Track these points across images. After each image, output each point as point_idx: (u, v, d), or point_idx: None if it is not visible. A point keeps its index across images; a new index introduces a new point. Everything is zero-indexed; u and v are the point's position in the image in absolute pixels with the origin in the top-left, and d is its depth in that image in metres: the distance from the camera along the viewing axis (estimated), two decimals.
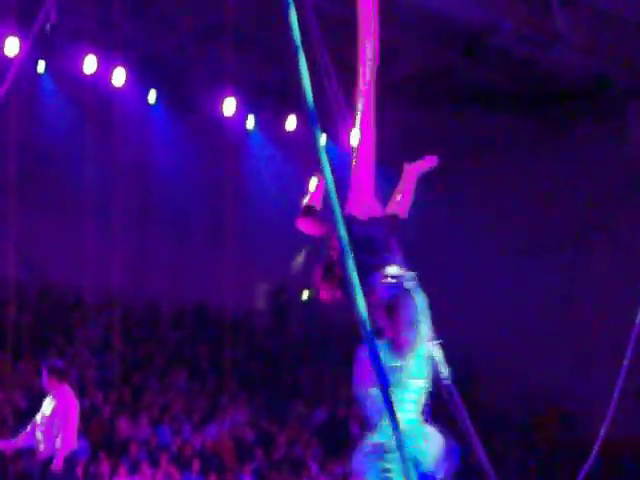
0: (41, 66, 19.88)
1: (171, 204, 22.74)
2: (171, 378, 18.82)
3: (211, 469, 15.86)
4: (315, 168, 5.86)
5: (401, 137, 17.28)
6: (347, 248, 4.76)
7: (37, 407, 11.21)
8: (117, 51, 19.22)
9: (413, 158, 6.70)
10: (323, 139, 5.00)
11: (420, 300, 5.54)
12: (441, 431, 5.52)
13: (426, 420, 5.52)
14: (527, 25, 17.87)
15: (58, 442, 10.77)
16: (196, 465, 15.64)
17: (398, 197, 6.48)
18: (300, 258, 22.81)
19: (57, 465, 10.70)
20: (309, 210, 6.40)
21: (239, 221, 21.17)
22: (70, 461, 10.91)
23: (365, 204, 6.29)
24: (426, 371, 5.55)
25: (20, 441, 11.17)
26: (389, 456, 5.31)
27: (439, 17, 17.67)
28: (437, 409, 5.79)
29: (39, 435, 10.91)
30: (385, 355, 5.24)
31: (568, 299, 21.24)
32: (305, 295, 23.35)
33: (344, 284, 5.17)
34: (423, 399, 5.52)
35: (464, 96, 20.83)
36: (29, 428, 11.04)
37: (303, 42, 4.72)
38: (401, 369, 5.41)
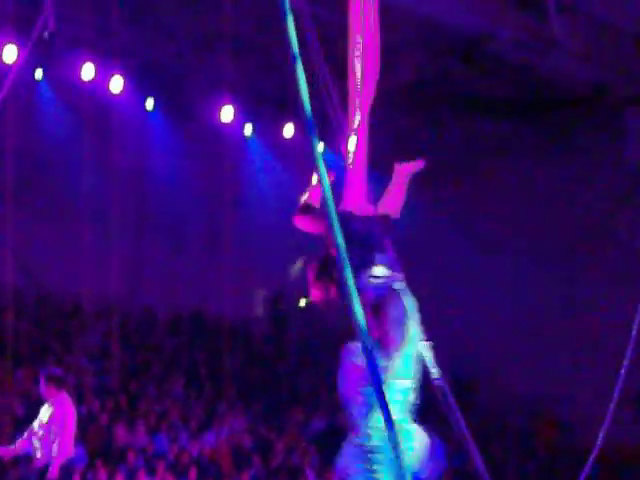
0: (39, 73, 19.89)
1: (169, 211, 22.74)
2: (168, 385, 18.80)
3: (208, 477, 15.84)
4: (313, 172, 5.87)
5: (398, 143, 17.27)
6: (343, 256, 4.75)
7: (35, 414, 11.19)
8: (115, 59, 19.23)
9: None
10: (321, 147, 5.00)
11: (408, 301, 5.56)
12: (428, 431, 5.52)
13: (414, 420, 5.52)
14: (524, 32, 17.88)
15: (55, 449, 10.76)
16: (193, 473, 15.61)
17: (389, 197, 6.52)
18: (298, 265, 22.81)
19: (53, 473, 10.68)
20: (307, 207, 6.40)
21: (237, 228, 21.18)
22: (67, 469, 10.89)
23: (358, 205, 6.31)
24: (413, 372, 5.55)
25: (18, 448, 11.16)
26: (374, 457, 5.31)
27: (437, 24, 17.68)
28: (430, 410, 5.80)
29: (36, 443, 10.90)
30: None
31: (567, 305, 21.24)
32: (303, 302, 23.34)
33: (339, 284, 5.17)
34: (410, 399, 5.53)
35: (462, 103, 20.85)
36: (26, 435, 11.03)
37: (300, 50, 4.72)
38: (387, 369, 5.41)
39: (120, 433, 15.95)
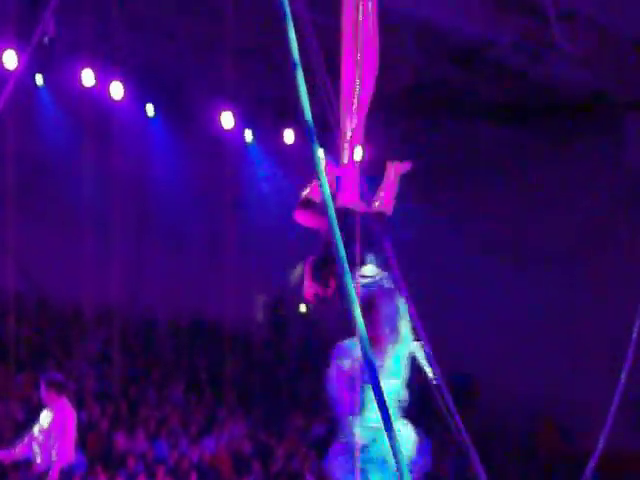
0: (39, 79, 19.92)
1: (169, 216, 22.75)
2: (168, 391, 18.80)
3: None
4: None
5: (398, 146, 17.29)
6: (343, 256, 4.75)
7: (35, 419, 11.19)
8: (115, 64, 19.26)
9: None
10: (321, 153, 5.01)
11: (398, 300, 5.58)
12: (417, 429, 5.53)
13: (404, 418, 5.54)
14: (524, 38, 17.91)
15: (55, 455, 10.76)
16: (193, 478, 15.61)
17: (381, 194, 6.66)
18: (298, 270, 22.78)
19: (53, 478, 10.67)
20: (308, 202, 6.41)
21: (237, 233, 21.18)
22: (67, 475, 10.88)
23: (352, 203, 6.35)
24: (403, 371, 5.57)
25: (17, 452, 11.15)
26: (361, 456, 5.33)
27: (436, 29, 17.71)
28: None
29: (36, 448, 10.89)
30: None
31: (568, 310, 21.24)
32: (303, 307, 23.34)
33: (338, 283, 5.18)
34: (399, 398, 5.55)
35: (462, 107, 20.87)
36: (25, 439, 11.03)
37: (301, 56, 4.73)
38: (379, 369, 5.42)
39: (120, 439, 15.95)
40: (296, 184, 6.73)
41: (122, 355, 18.63)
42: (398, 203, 6.62)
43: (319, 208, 6.29)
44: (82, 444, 14.10)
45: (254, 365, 21.55)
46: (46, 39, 8.94)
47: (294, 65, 4.70)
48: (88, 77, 19.28)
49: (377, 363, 5.44)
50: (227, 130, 21.25)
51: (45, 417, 10.95)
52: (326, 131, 6.43)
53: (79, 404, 14.50)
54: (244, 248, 21.49)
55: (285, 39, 4.70)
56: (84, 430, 14.35)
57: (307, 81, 4.65)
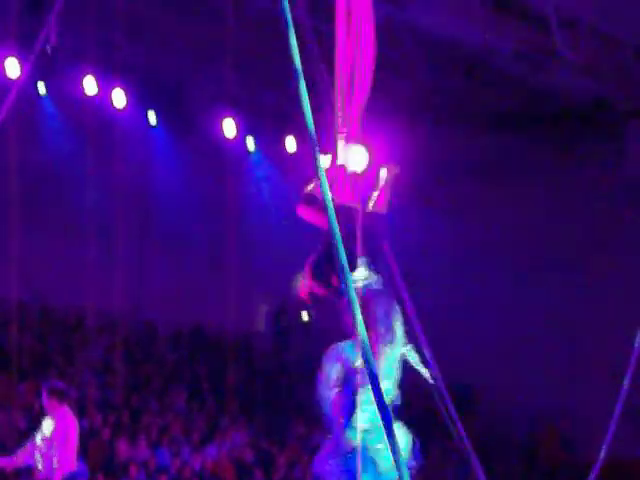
0: (41, 87, 19.94)
1: (171, 225, 22.75)
2: (170, 399, 18.78)
3: None
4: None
5: (401, 155, 17.28)
6: (342, 256, 4.76)
7: (37, 428, 11.18)
8: (118, 72, 19.28)
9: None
10: (323, 160, 5.03)
11: (391, 303, 5.59)
12: (409, 430, 5.53)
13: (395, 419, 5.54)
14: (526, 46, 17.92)
15: (56, 463, 10.75)
16: None
17: (375, 194, 6.71)
18: (300, 278, 22.76)
19: None
20: (311, 198, 6.41)
21: (239, 242, 21.16)
22: None
23: (347, 201, 6.38)
24: (395, 373, 5.58)
25: (19, 459, 11.14)
26: (350, 457, 5.33)
27: (438, 38, 17.72)
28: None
29: (38, 456, 10.88)
30: (354, 355, 5.29)
31: (568, 319, 21.21)
32: (305, 316, 23.31)
33: (339, 284, 5.18)
34: (391, 399, 5.55)
35: (462, 116, 20.88)
36: (27, 447, 11.02)
37: (302, 62, 4.74)
38: None
39: (122, 447, 15.93)
40: (298, 191, 6.74)
41: (124, 363, 18.61)
42: (398, 207, 6.64)
43: (321, 205, 6.32)
44: (84, 452, 14.06)
45: (256, 373, 21.53)
46: (48, 47, 8.96)
47: (296, 73, 4.72)
48: (90, 85, 19.31)
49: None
50: (229, 138, 21.26)
51: (47, 425, 10.94)
52: (328, 137, 6.45)
53: (81, 412, 14.49)
54: (246, 257, 21.48)
55: (287, 47, 4.71)
56: (86, 438, 14.32)
57: (308, 87, 4.67)
